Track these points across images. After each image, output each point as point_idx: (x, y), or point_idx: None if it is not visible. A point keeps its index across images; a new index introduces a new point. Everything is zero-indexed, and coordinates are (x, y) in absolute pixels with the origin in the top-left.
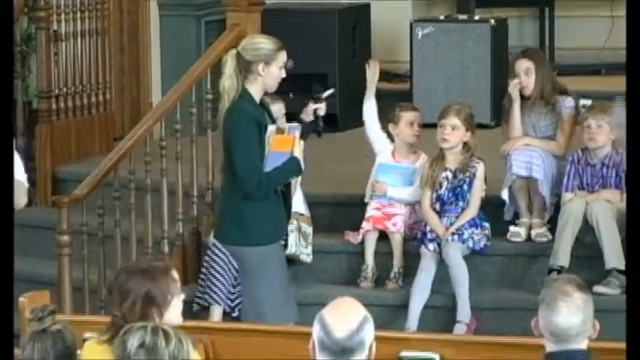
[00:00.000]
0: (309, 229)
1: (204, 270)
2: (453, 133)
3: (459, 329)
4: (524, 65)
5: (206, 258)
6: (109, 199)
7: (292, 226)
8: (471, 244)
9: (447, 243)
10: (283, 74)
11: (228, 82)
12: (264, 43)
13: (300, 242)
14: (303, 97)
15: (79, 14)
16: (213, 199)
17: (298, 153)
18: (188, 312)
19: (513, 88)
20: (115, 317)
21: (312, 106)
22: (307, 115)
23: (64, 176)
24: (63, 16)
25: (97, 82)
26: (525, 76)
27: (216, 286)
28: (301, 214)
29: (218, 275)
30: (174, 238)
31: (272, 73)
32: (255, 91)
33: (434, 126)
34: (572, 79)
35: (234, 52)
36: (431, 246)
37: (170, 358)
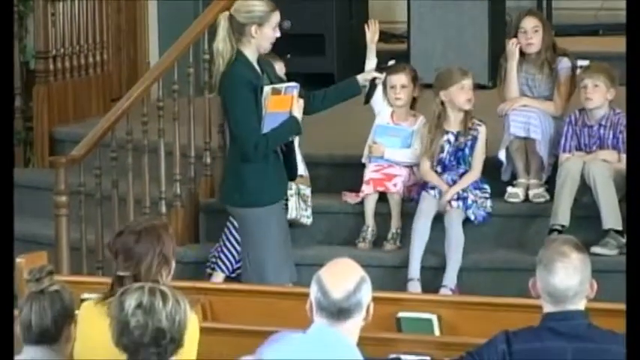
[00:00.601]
0: (307, 191)
1: (222, 236)
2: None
3: (444, 293)
4: (532, 23)
5: (227, 223)
6: (106, 160)
7: (291, 190)
8: (475, 209)
9: (451, 209)
10: (277, 34)
11: (221, 44)
12: (257, 5)
13: (300, 206)
14: (301, 57)
15: None
16: (211, 160)
17: (297, 113)
18: (193, 273)
19: (514, 46)
20: (121, 278)
21: (374, 74)
22: (364, 80)
23: (62, 137)
24: None
25: (94, 42)
26: (534, 33)
27: (225, 256)
28: (300, 176)
29: (229, 245)
30: (172, 198)
31: (265, 35)
32: (250, 52)
33: (430, 86)
34: (570, 40)
35: (227, 14)
36: (432, 191)
37: (167, 319)
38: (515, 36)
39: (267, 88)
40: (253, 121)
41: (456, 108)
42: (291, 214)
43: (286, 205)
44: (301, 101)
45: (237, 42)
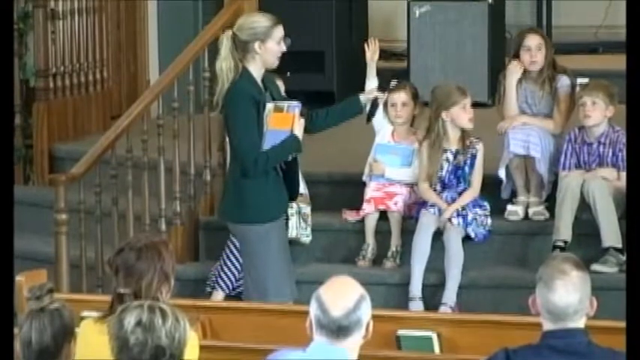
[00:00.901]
0: (307, 210)
1: (222, 255)
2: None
3: (444, 311)
4: (536, 40)
5: (227, 242)
6: (106, 177)
7: (292, 210)
8: (475, 226)
9: (451, 226)
10: (283, 48)
11: (224, 63)
12: (259, 21)
13: (300, 225)
14: (300, 75)
15: None
16: (211, 178)
17: (298, 131)
18: (193, 291)
19: (517, 67)
20: (121, 295)
21: (375, 93)
22: (367, 99)
23: (62, 154)
24: None
25: (94, 60)
26: (538, 51)
27: (226, 274)
28: (300, 194)
29: (229, 264)
30: (172, 216)
31: (270, 50)
32: (255, 69)
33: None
34: (570, 58)
35: (229, 33)
36: (432, 209)
37: (167, 336)
38: (518, 53)
39: (269, 105)
40: (254, 136)
41: (456, 127)
42: (292, 233)
43: (287, 223)
44: (302, 120)
45: (242, 59)
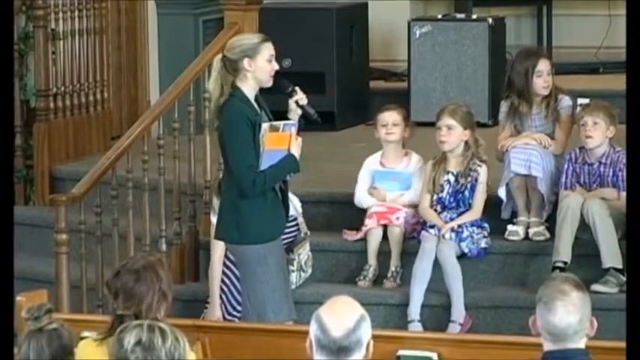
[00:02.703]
0: (310, 254)
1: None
2: (450, 133)
3: (453, 329)
4: (547, 65)
5: (223, 269)
6: (106, 198)
7: (293, 267)
8: (469, 243)
9: (444, 240)
10: (275, 67)
11: (211, 85)
12: (246, 39)
13: (301, 276)
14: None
15: (76, 13)
16: (211, 198)
17: (295, 150)
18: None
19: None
20: (121, 316)
21: (291, 102)
22: (294, 112)
23: (62, 175)
24: (61, 14)
25: (94, 80)
26: (548, 75)
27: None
28: (293, 218)
29: (226, 289)
30: (172, 236)
31: (260, 67)
32: (248, 88)
33: (431, 124)
34: (571, 78)
35: (219, 56)
36: (432, 231)
37: (167, 356)
38: (526, 75)
39: (264, 125)
40: (251, 157)
41: (459, 149)
42: (294, 285)
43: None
44: (300, 139)
45: (235, 79)
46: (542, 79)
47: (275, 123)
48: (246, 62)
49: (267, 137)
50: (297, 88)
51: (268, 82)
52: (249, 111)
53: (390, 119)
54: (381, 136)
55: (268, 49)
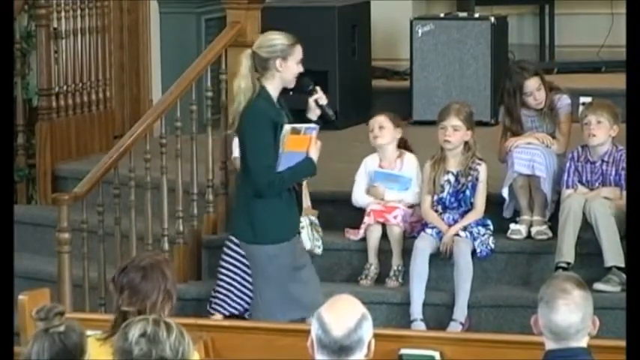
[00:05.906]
0: (316, 220)
1: (221, 277)
2: (455, 133)
3: (454, 327)
4: (535, 83)
5: (221, 263)
6: (109, 197)
7: (304, 222)
8: (479, 243)
9: (459, 239)
10: (301, 69)
11: (243, 82)
12: (279, 39)
13: (313, 236)
14: (304, 94)
15: (79, 12)
16: (213, 197)
17: (314, 154)
18: (195, 310)
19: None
20: (125, 313)
21: (311, 100)
22: (313, 111)
23: (64, 174)
24: (63, 13)
25: (97, 79)
26: (538, 91)
27: (222, 297)
28: (306, 206)
29: (224, 283)
30: (175, 235)
31: (289, 68)
32: (273, 88)
33: (433, 123)
34: (573, 77)
35: (248, 51)
36: (429, 231)
37: (171, 349)
38: (521, 96)
39: (287, 127)
40: (270, 158)
41: (458, 148)
42: (306, 245)
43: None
44: (319, 143)
45: (261, 77)
46: (532, 98)
47: (297, 125)
48: (278, 62)
49: (288, 139)
50: (317, 88)
51: (292, 83)
52: (273, 112)
53: (375, 124)
54: (371, 141)
55: (299, 52)
